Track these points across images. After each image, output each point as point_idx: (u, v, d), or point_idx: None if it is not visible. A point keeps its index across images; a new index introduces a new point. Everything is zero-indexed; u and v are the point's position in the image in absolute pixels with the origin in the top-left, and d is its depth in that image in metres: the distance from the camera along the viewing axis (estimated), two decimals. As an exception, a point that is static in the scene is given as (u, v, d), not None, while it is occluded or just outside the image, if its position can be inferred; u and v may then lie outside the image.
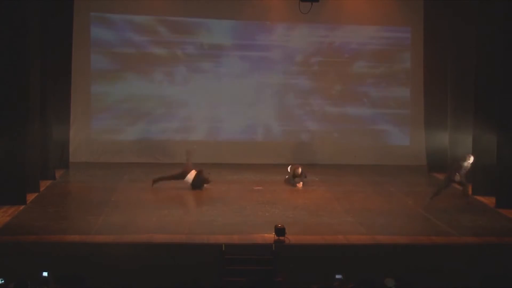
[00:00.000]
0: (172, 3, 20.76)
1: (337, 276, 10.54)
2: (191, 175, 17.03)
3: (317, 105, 21.35)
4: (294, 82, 21.32)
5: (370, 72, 21.43)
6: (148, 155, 20.72)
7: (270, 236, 12.82)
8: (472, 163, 15.65)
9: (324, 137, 21.35)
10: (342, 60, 21.32)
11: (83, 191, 17.00)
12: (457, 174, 15.56)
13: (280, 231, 12.68)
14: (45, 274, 10.32)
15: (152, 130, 20.95)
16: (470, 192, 16.90)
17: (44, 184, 16.96)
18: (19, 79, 14.97)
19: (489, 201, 16.14)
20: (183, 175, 17.04)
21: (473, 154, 15.89)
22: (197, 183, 17.05)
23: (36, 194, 15.94)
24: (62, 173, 18.70)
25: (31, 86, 15.57)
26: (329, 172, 19.55)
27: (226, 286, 11.67)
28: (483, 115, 16.63)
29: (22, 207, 14.74)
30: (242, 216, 14.74)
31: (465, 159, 15.61)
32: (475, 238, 13.39)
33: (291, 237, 12.70)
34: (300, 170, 17.77)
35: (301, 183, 17.78)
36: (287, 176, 18.11)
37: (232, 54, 21.08)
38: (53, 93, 18.21)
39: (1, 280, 9.88)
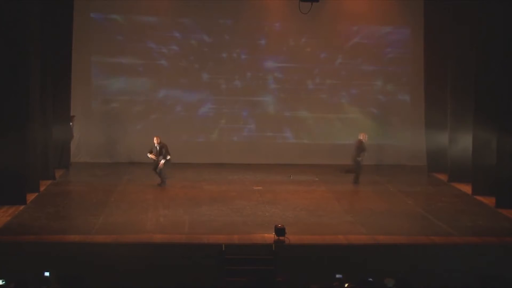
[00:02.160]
0: (172, 4, 20.75)
1: (337, 276, 10.56)
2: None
3: (317, 105, 21.32)
4: (293, 82, 21.33)
5: (370, 72, 21.40)
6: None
7: (270, 236, 12.83)
8: None
9: (323, 137, 21.32)
10: (341, 60, 21.29)
11: (83, 191, 16.99)
12: None
13: (280, 231, 12.68)
14: (46, 274, 10.34)
15: (152, 131, 20.89)
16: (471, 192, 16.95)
17: (44, 184, 16.97)
18: (19, 79, 14.98)
19: (489, 201, 16.13)
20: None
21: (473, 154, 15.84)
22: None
23: (36, 194, 15.95)
24: (62, 173, 18.71)
25: (31, 86, 15.57)
26: (329, 172, 19.54)
27: (226, 286, 11.68)
28: (483, 115, 16.62)
29: (22, 207, 14.76)
30: (242, 216, 14.75)
31: None
32: (475, 238, 13.41)
33: (291, 237, 12.71)
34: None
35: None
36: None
37: (231, 54, 21.10)
38: (53, 93, 18.23)
39: (2, 281, 9.89)
